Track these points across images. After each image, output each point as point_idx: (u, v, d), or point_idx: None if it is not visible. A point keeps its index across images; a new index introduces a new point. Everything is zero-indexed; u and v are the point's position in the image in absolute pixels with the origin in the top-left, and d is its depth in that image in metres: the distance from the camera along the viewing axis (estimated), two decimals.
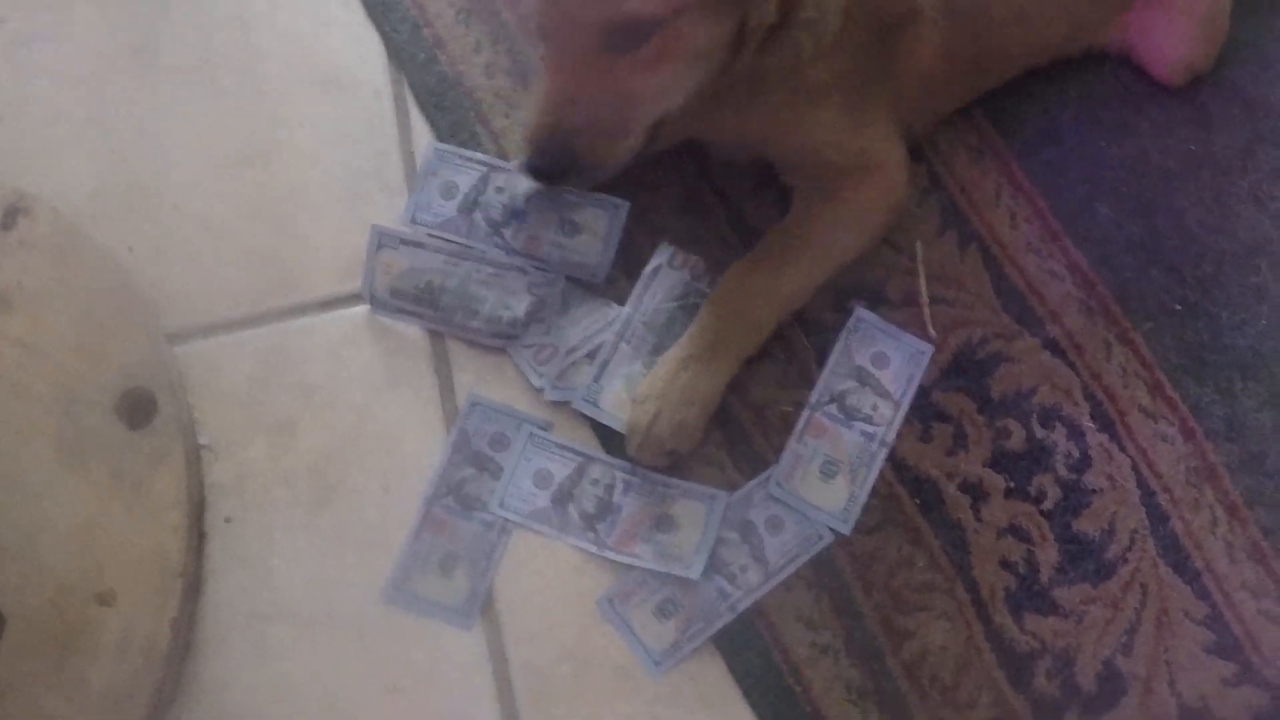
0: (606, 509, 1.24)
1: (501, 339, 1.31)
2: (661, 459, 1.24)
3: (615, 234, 1.33)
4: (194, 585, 1.25)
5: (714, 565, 1.21)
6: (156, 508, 1.26)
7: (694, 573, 1.19)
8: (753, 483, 1.25)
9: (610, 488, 1.24)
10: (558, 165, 1.16)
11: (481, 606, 1.22)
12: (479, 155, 1.38)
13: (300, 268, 1.38)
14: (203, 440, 1.31)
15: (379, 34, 1.51)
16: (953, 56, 1.31)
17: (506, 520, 1.25)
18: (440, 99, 1.45)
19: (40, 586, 1.23)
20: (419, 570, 1.24)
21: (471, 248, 1.34)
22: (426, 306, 1.32)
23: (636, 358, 1.28)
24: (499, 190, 1.35)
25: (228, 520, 1.28)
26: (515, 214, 1.34)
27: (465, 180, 1.36)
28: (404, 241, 1.33)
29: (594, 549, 1.23)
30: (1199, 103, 1.45)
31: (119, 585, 1.22)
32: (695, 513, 1.23)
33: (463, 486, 1.26)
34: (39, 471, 1.27)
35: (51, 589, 1.23)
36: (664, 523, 1.23)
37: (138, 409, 1.30)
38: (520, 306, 1.30)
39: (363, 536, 1.26)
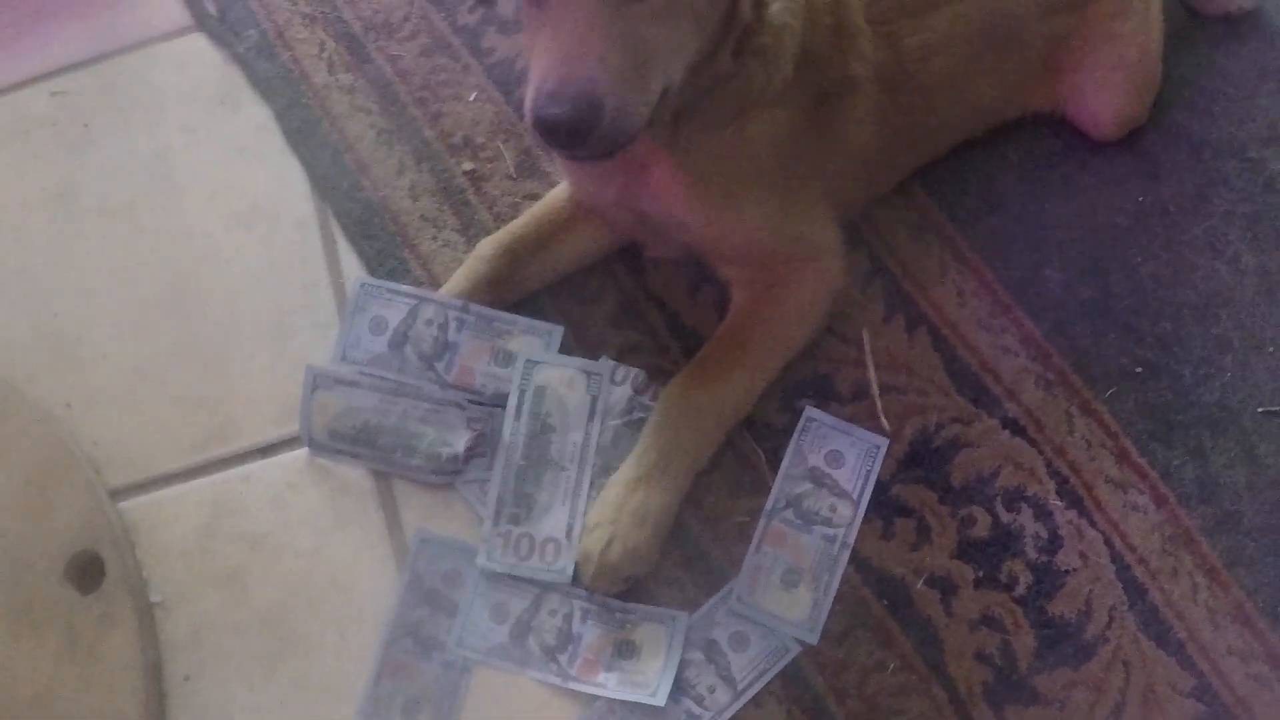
0: (567, 639, 1.21)
1: (443, 475, 1.28)
2: (617, 585, 1.21)
3: None
4: None
5: (681, 688, 1.18)
6: (112, 671, 1.24)
7: (659, 699, 1.16)
8: (713, 599, 1.22)
9: (569, 617, 1.21)
10: (582, 117, 1.00)
11: None
12: (406, 288, 1.35)
13: (237, 412, 1.36)
14: (154, 598, 1.29)
15: (300, 162, 1.49)
16: (887, 128, 1.29)
17: (466, 658, 1.22)
18: (366, 227, 1.43)
19: None
20: (382, 716, 1.20)
21: (405, 384, 1.31)
22: (365, 446, 1.30)
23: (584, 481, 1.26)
24: (428, 323, 1.32)
25: (186, 678, 1.26)
26: (447, 346, 1.31)
27: (394, 315, 1.33)
28: (339, 381, 1.30)
29: (557, 680, 1.20)
30: (1144, 150, 1.42)
31: None
32: (656, 636, 1.20)
33: (420, 627, 1.23)
34: None
35: None
36: (626, 649, 1.19)
37: (86, 572, 1.28)
38: (460, 442, 1.27)
39: (323, 685, 1.23)
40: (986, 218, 1.39)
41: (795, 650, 1.19)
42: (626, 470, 1.23)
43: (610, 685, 1.18)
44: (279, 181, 1.48)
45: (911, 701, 1.18)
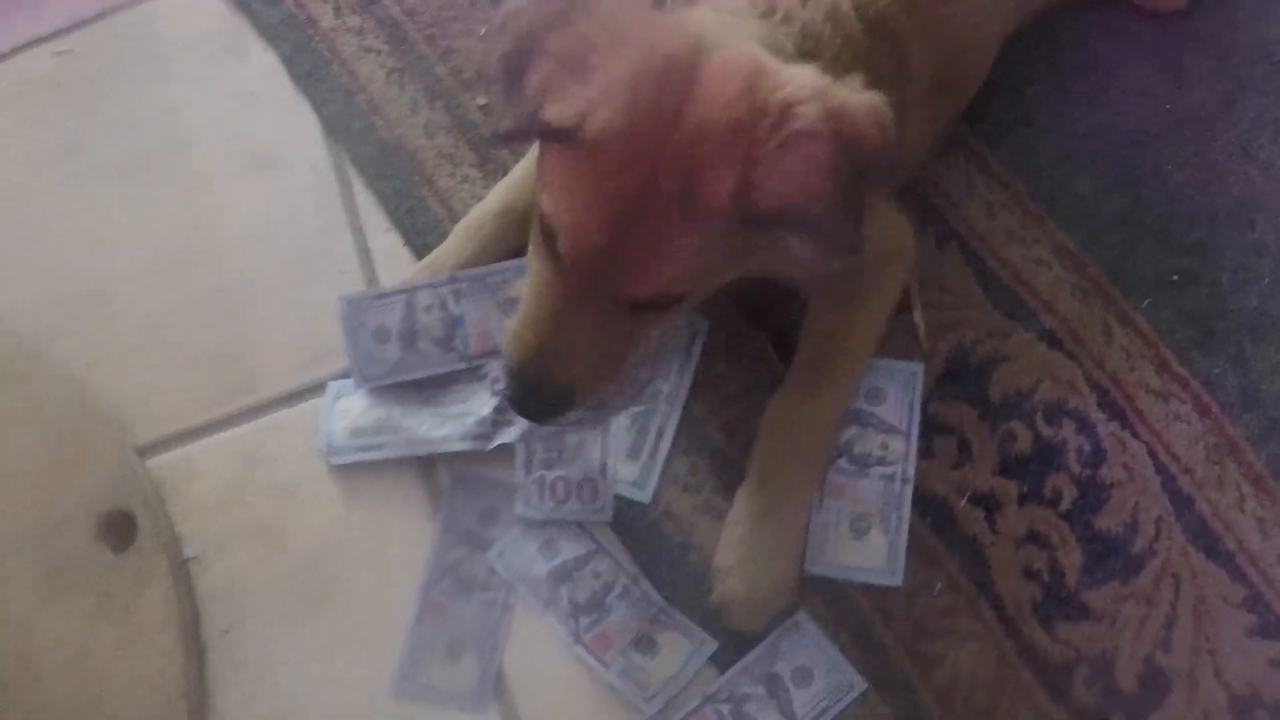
0: (596, 606, 1.19)
1: (471, 441, 1.25)
2: (765, 622, 1.16)
3: None
4: (198, 705, 1.21)
5: None
6: (149, 630, 1.23)
7: (650, 708, 1.14)
8: (776, 632, 1.16)
9: (609, 586, 1.19)
10: (552, 408, 1.02)
11: (493, 689, 1.19)
12: (390, 288, 1.30)
13: (262, 361, 1.34)
14: (188, 553, 1.28)
15: (311, 107, 1.47)
16: (939, 116, 1.25)
17: (495, 571, 1.21)
18: (382, 166, 1.41)
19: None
20: (425, 659, 1.20)
21: (433, 377, 1.28)
22: (389, 434, 1.26)
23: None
24: (428, 309, 1.28)
25: (225, 631, 1.25)
26: (455, 322, 1.27)
27: (391, 317, 1.28)
28: (358, 386, 1.28)
29: (568, 639, 1.18)
30: (1170, 58, 1.39)
31: (121, 714, 1.20)
32: (678, 649, 1.16)
33: (458, 567, 1.22)
34: (24, 605, 1.24)
35: None
36: (645, 643, 1.17)
37: (118, 530, 1.27)
38: (485, 406, 1.25)
39: (364, 631, 1.22)
40: (1013, 130, 1.36)
41: (860, 688, 1.14)
42: (750, 501, 1.17)
43: (613, 669, 1.16)
44: (291, 127, 1.46)
45: (960, 621, 1.17)
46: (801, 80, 0.90)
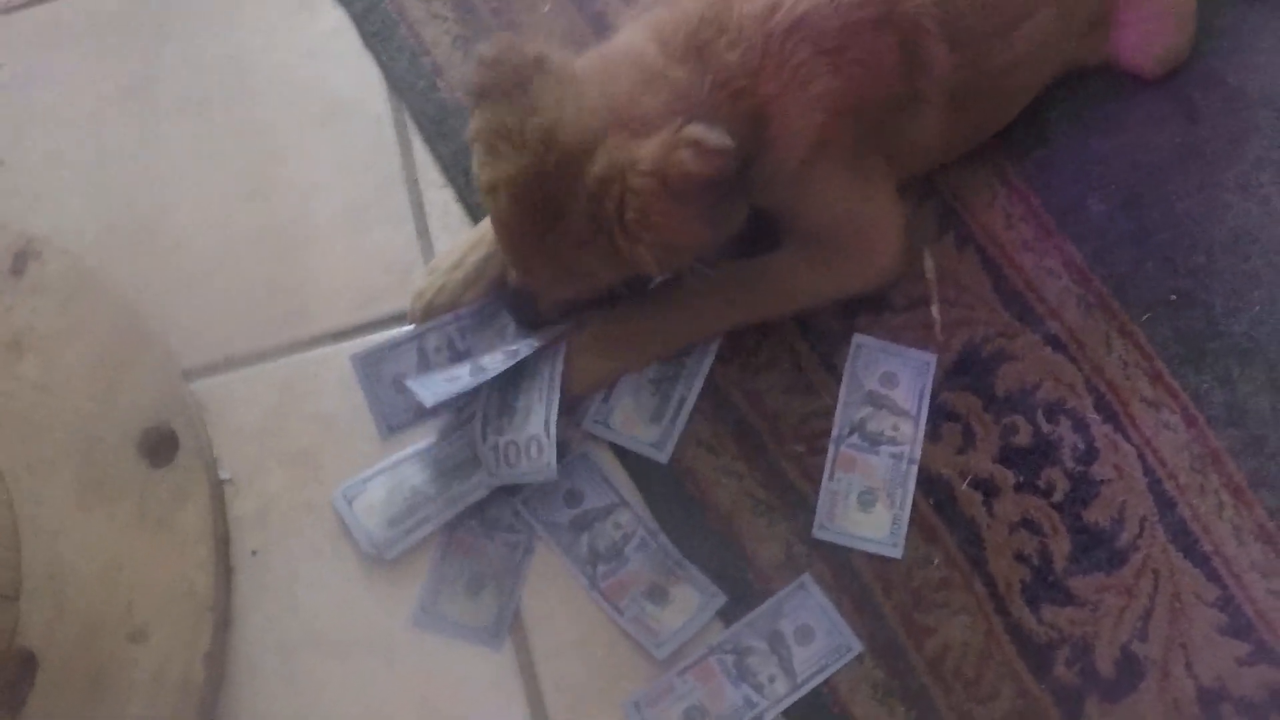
0: (614, 555, 1.25)
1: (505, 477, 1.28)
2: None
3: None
4: (224, 619, 1.26)
5: (742, 674, 1.21)
6: (183, 543, 1.27)
7: (660, 654, 1.21)
8: (784, 591, 1.24)
9: (628, 538, 1.26)
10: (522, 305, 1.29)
11: (510, 625, 1.24)
12: (398, 335, 1.35)
13: (310, 299, 1.40)
14: (224, 474, 1.32)
15: (377, 63, 1.52)
16: (953, 128, 1.32)
17: (520, 515, 1.27)
18: (441, 126, 1.47)
19: (70, 626, 1.24)
20: (447, 592, 1.26)
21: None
22: (424, 507, 1.28)
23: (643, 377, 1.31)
24: (438, 350, 1.33)
25: (254, 553, 1.30)
26: (465, 356, 1.32)
27: (405, 364, 1.34)
28: (366, 480, 1.31)
29: (584, 584, 1.25)
30: (1184, 96, 1.46)
31: (150, 622, 1.24)
32: (689, 602, 1.23)
33: (485, 508, 1.28)
34: (61, 513, 1.29)
35: (82, 628, 1.24)
36: (657, 594, 1.24)
37: (159, 446, 1.31)
38: (484, 439, 1.28)
39: (388, 564, 1.27)
40: (1034, 149, 1.43)
41: (856, 650, 1.21)
42: (603, 324, 1.30)
43: (625, 616, 1.23)
44: (356, 81, 1.51)
45: (954, 595, 1.24)
46: (638, 155, 1.09)
